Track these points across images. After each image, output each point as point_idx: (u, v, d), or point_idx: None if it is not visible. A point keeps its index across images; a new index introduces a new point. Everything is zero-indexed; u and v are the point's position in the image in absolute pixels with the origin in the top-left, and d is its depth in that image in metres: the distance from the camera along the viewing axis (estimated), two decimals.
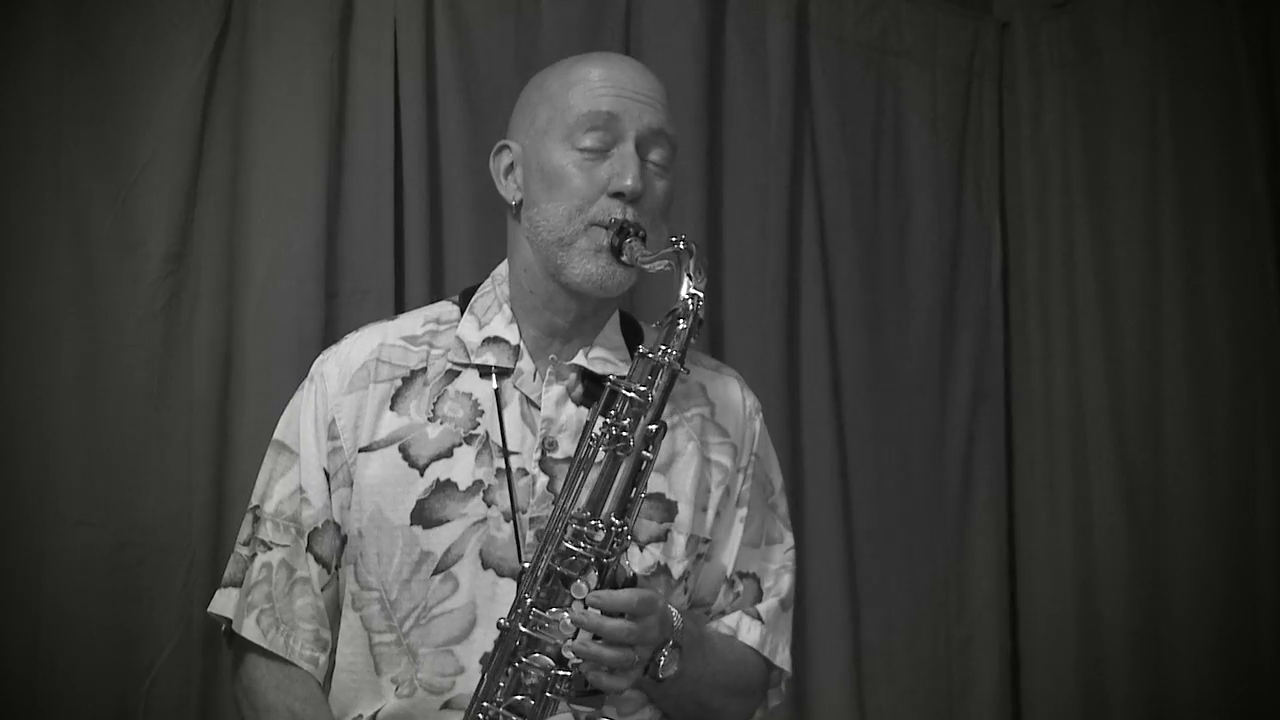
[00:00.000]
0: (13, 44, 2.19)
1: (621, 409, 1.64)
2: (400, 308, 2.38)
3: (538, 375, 1.80)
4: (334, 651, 1.79)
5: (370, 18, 2.42)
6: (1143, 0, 2.87)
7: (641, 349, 1.68)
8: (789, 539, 1.93)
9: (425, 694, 1.70)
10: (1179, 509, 2.73)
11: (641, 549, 1.75)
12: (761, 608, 1.86)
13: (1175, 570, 2.72)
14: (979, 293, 3.04)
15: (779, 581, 1.89)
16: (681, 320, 1.67)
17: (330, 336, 2.27)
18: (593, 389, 1.77)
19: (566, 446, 1.75)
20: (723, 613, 1.85)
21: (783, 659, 1.88)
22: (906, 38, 2.99)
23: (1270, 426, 2.63)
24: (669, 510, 1.79)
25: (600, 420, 1.65)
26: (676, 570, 1.78)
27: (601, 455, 1.64)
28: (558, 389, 1.79)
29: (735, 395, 1.91)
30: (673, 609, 1.72)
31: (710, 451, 1.85)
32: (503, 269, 1.87)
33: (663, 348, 1.66)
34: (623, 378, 1.67)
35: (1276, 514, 2.60)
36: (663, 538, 1.77)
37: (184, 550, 2.20)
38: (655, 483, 1.76)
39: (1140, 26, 2.87)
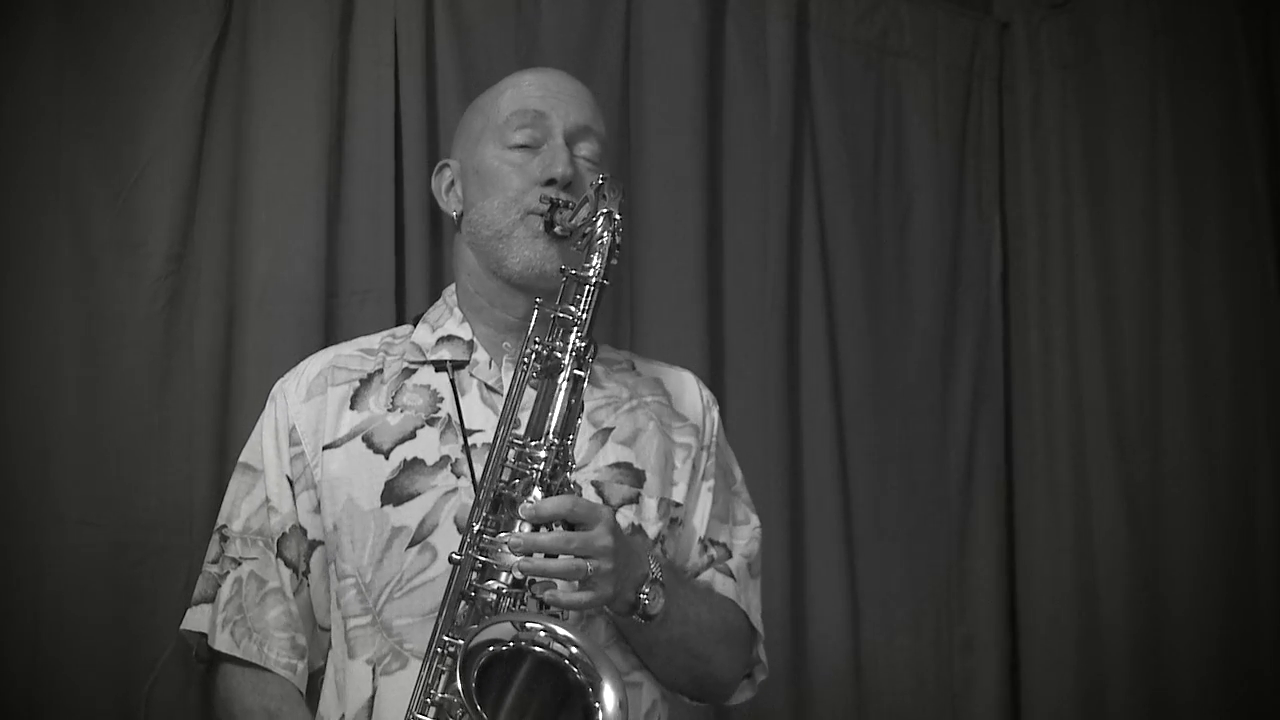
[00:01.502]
0: (13, 44, 2.18)
1: (552, 331, 1.68)
2: (400, 307, 2.38)
3: (493, 364, 1.84)
4: (317, 658, 1.81)
5: (370, 18, 2.42)
6: (1142, 0, 2.87)
7: (564, 267, 1.71)
8: (755, 519, 1.97)
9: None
10: (1179, 509, 2.72)
11: (615, 511, 1.76)
12: (731, 564, 1.89)
13: (1175, 571, 2.72)
14: (979, 292, 3.04)
15: (748, 548, 1.93)
16: (598, 240, 1.70)
17: (330, 336, 2.28)
18: None
19: None
20: (697, 572, 1.88)
21: (756, 621, 1.90)
22: (906, 38, 2.99)
23: (1270, 426, 2.63)
24: (638, 477, 1.83)
25: (531, 341, 1.68)
26: (651, 531, 1.81)
27: (535, 381, 1.67)
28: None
29: (691, 387, 1.97)
30: (648, 552, 1.73)
31: (673, 433, 1.90)
32: (451, 286, 1.93)
33: (585, 264, 1.70)
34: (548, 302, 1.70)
35: (1276, 514, 2.60)
36: (634, 500, 1.81)
37: (185, 549, 2.19)
38: (622, 453, 1.82)
39: (1140, 26, 2.87)
